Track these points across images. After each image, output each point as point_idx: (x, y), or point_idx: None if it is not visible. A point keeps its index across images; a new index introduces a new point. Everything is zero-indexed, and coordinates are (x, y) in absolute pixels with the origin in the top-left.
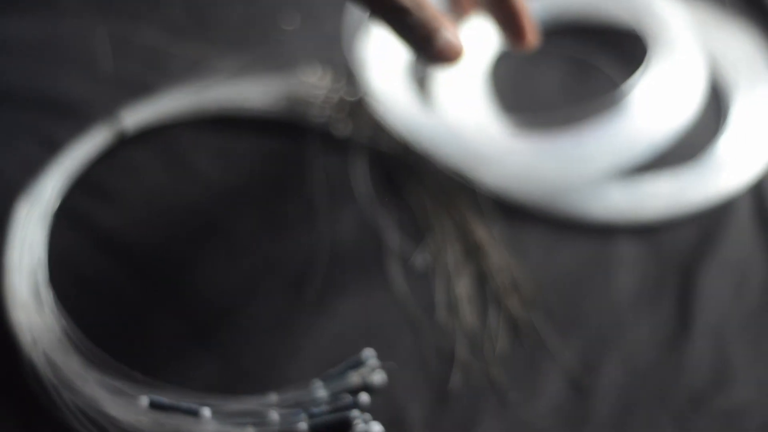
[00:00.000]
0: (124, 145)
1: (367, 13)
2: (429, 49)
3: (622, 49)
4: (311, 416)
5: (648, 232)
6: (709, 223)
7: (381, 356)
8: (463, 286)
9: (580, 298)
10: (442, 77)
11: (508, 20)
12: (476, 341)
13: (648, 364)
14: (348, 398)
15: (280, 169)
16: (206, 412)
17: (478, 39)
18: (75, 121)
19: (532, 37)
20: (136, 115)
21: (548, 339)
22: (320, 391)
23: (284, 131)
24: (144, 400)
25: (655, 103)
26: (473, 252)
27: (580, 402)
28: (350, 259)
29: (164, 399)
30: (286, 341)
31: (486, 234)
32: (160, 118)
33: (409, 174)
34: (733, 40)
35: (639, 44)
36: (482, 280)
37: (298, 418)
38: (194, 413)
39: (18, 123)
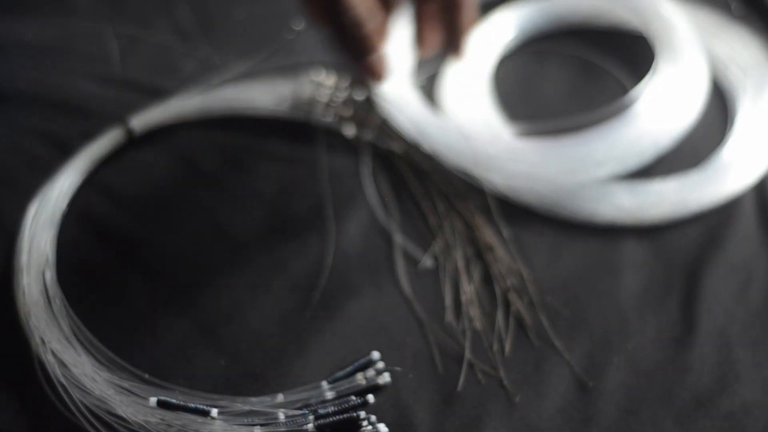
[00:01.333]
0: (132, 145)
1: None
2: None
3: (628, 51)
4: (318, 417)
5: (654, 234)
6: (714, 225)
7: (388, 357)
8: (471, 288)
9: (586, 299)
10: (449, 79)
11: (453, 28)
12: (483, 342)
13: (653, 364)
14: (354, 399)
15: (288, 169)
16: (214, 412)
17: (484, 40)
18: (85, 122)
19: (464, 53)
20: (145, 116)
21: (554, 340)
22: (327, 392)
23: (292, 132)
24: (153, 400)
25: (661, 107)
26: (481, 253)
27: (586, 403)
28: (358, 260)
29: (173, 399)
30: (293, 342)
31: (494, 235)
32: (168, 118)
33: (417, 175)
34: (740, 46)
35: (644, 46)
36: (490, 281)
37: (306, 420)
38: (203, 413)
39: (28, 124)
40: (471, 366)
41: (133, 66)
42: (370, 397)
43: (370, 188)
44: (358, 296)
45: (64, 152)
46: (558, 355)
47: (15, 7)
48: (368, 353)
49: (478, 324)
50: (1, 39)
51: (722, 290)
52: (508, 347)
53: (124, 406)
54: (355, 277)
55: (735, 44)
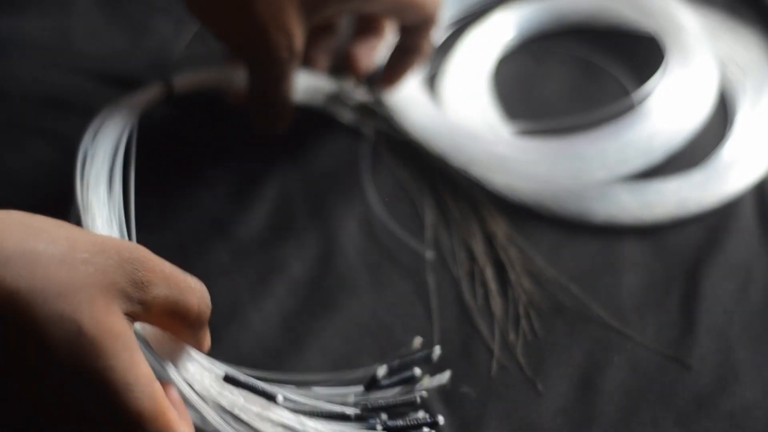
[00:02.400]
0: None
1: None
2: None
3: (629, 51)
4: (387, 429)
5: (654, 234)
6: (714, 225)
7: (389, 357)
8: (472, 286)
9: (587, 298)
10: (449, 78)
11: (397, 67)
12: (486, 341)
13: (653, 364)
14: (425, 418)
15: (288, 168)
16: (280, 398)
17: (484, 40)
18: (85, 120)
19: (393, 87)
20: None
21: (554, 339)
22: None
23: (292, 133)
24: (221, 374)
25: (668, 108)
26: (486, 250)
27: (586, 403)
28: (358, 259)
29: (241, 375)
30: (294, 342)
31: (497, 232)
32: (171, 115)
33: (418, 172)
34: (740, 46)
35: (646, 45)
36: (493, 279)
37: (375, 422)
38: (269, 397)
39: (28, 122)
40: (473, 364)
41: (134, 65)
42: (441, 419)
43: (370, 186)
44: (358, 295)
45: (64, 150)
46: (558, 355)
47: (15, 5)
48: (369, 353)
49: (480, 323)
50: (2, 37)
51: (722, 290)
52: (510, 345)
53: None
54: (355, 276)
55: (735, 44)
